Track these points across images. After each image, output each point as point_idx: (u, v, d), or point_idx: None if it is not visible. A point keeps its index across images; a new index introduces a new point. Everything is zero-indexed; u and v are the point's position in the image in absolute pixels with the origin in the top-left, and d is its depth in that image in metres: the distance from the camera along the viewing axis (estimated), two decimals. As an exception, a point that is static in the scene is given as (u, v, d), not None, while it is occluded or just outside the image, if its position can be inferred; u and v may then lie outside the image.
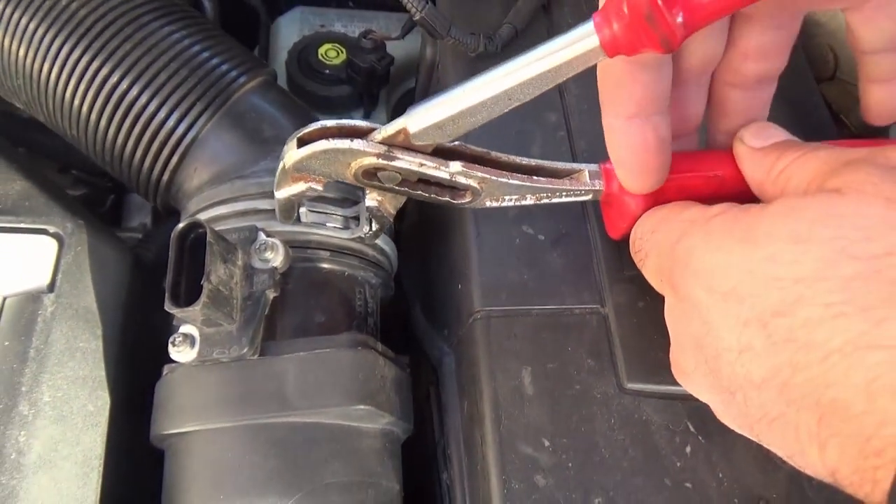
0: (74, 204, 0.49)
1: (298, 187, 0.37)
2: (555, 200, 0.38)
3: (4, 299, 0.44)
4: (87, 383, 0.44)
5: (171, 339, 0.40)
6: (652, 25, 0.28)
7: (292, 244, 0.43)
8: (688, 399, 0.43)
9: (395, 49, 0.69)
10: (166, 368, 0.43)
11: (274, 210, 0.43)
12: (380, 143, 0.34)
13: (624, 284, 0.46)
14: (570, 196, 0.38)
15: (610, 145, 0.37)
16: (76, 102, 0.49)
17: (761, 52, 0.37)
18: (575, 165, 0.38)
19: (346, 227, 0.46)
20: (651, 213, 0.39)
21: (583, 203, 0.50)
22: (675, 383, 0.44)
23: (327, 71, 0.67)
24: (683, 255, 0.34)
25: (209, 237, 0.37)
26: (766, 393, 0.28)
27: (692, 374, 0.35)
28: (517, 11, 0.55)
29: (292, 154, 0.35)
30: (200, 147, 0.48)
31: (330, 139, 0.34)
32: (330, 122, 0.35)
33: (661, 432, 0.42)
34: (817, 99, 0.59)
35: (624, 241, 0.49)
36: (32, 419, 0.41)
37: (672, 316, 0.37)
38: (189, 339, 0.40)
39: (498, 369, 0.43)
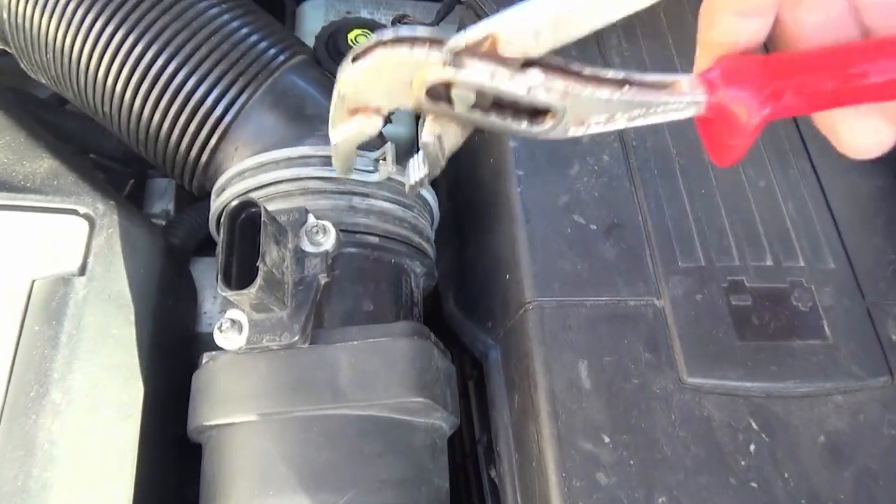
0: (104, 184, 0.47)
1: (355, 124, 0.32)
2: (650, 120, 0.31)
3: (33, 282, 0.42)
4: (121, 372, 0.42)
5: (217, 325, 0.38)
6: None
7: (340, 227, 0.41)
8: (750, 395, 0.42)
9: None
10: (206, 357, 0.41)
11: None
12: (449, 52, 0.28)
13: (679, 276, 0.45)
14: (668, 112, 0.31)
15: None
16: (109, 79, 0.47)
17: None
18: (668, 77, 0.31)
19: (374, 170, 0.43)
20: None
21: (634, 191, 0.48)
22: (737, 378, 0.42)
23: (357, 57, 0.65)
24: None
25: (263, 217, 0.35)
26: None
27: None
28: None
29: (347, 73, 0.30)
30: (241, 126, 0.46)
31: (388, 46, 0.28)
32: (386, 34, 0.29)
33: (724, 429, 0.41)
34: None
35: (677, 232, 0.48)
36: (65, 408, 0.38)
37: None
38: (237, 325, 0.37)
39: (553, 361, 0.41)
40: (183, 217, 0.56)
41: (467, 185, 0.59)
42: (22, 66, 0.54)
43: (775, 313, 0.45)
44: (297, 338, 0.37)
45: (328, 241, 0.39)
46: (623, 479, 0.39)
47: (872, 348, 0.45)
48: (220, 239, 0.36)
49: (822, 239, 0.48)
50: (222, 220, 0.36)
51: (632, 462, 0.39)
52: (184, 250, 0.55)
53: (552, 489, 0.38)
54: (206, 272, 0.55)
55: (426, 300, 0.59)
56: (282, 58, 0.48)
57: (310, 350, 0.37)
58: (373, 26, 0.68)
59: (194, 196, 0.58)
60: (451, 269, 0.61)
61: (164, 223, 0.60)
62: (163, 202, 0.63)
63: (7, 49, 0.54)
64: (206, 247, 0.57)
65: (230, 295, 0.34)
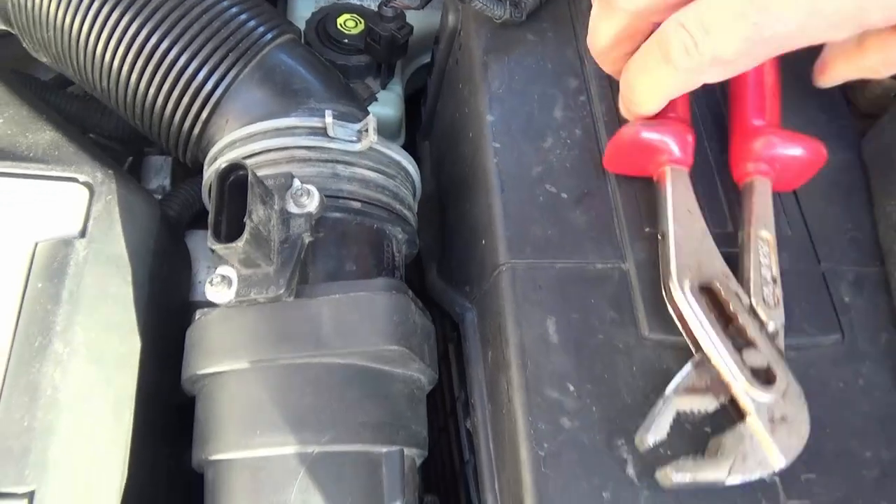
0: (102, 155, 0.50)
1: None
2: None
3: (36, 244, 0.45)
4: (119, 328, 0.44)
5: (208, 280, 0.40)
6: None
7: (324, 192, 0.44)
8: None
9: (411, 22, 0.70)
10: (199, 313, 0.44)
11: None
12: None
13: (644, 242, 0.48)
14: None
15: None
16: (107, 57, 0.49)
17: None
18: None
19: (357, 141, 0.47)
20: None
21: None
22: (694, 335, 0.45)
23: (346, 40, 0.68)
24: None
25: (250, 178, 0.38)
26: None
27: None
28: (541, -21, 0.56)
29: None
30: (231, 100, 0.48)
31: None
32: None
33: (681, 380, 0.44)
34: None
35: (644, 200, 0.51)
36: (67, 358, 0.41)
37: None
38: (227, 280, 0.40)
39: (523, 318, 0.44)
40: (178, 190, 0.59)
41: (449, 160, 0.61)
42: (24, 45, 0.56)
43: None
44: (282, 291, 0.40)
45: (312, 204, 0.42)
46: (586, 423, 0.41)
47: (825, 309, 0.47)
48: (211, 198, 0.39)
49: (781, 206, 0.51)
50: (212, 181, 0.39)
51: (594, 409, 0.42)
52: (179, 221, 0.58)
53: (520, 432, 0.41)
54: (200, 243, 0.58)
55: (410, 275, 0.62)
56: (270, 36, 0.51)
57: (294, 303, 0.40)
58: (361, 12, 0.70)
59: (189, 172, 0.61)
60: (434, 244, 0.64)
61: (160, 197, 0.62)
62: (159, 178, 0.65)
63: (10, 30, 0.57)
64: (200, 220, 0.60)
65: (219, 248, 0.37)
